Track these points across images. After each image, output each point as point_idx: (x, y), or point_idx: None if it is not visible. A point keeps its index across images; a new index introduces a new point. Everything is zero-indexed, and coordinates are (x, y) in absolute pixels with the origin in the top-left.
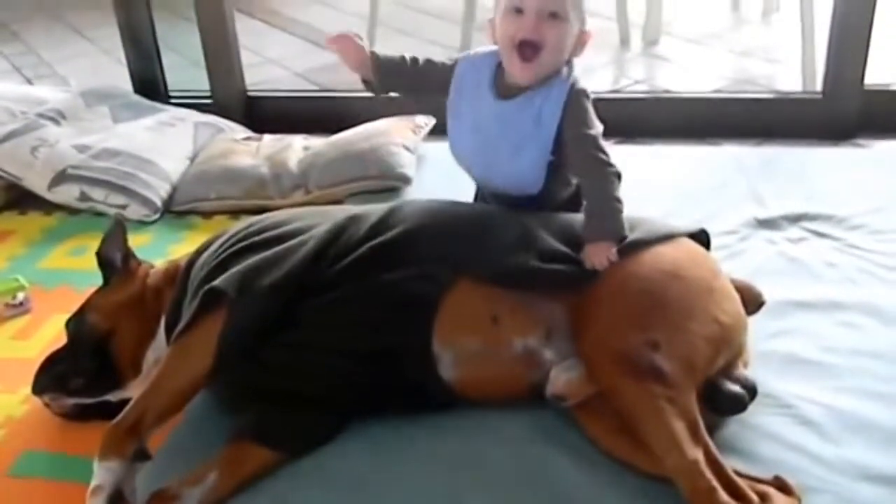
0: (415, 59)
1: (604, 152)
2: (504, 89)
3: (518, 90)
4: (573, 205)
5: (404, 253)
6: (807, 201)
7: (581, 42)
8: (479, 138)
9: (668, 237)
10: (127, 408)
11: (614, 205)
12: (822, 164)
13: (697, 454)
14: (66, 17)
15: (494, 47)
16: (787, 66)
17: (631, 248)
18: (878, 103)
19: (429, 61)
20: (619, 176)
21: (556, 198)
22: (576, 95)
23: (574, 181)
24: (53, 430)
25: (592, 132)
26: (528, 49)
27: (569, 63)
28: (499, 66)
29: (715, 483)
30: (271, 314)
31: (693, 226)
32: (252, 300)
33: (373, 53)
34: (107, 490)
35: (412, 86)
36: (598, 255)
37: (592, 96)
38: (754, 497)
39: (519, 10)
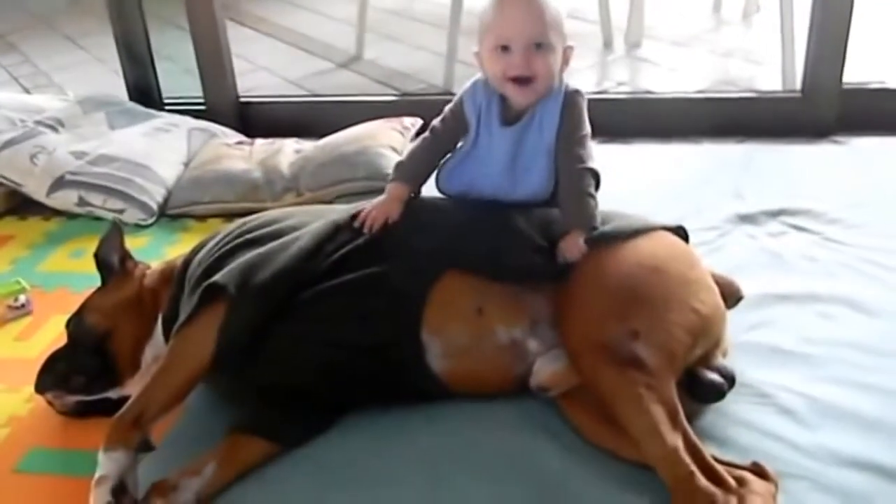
0: (434, 150)
1: (586, 151)
2: (509, 117)
3: (521, 114)
4: None
5: (393, 248)
6: (786, 197)
7: (566, 59)
8: (488, 168)
9: (644, 230)
10: (130, 400)
11: (587, 199)
12: (802, 161)
13: (677, 440)
14: (62, 27)
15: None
16: (767, 66)
17: (611, 241)
18: (856, 102)
19: (440, 128)
20: (595, 175)
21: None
22: (572, 97)
23: None
24: (57, 426)
25: (581, 133)
26: (521, 80)
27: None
28: (502, 96)
29: (694, 468)
30: (269, 308)
31: (670, 222)
32: (251, 295)
33: (408, 194)
34: (111, 480)
35: (445, 159)
36: (572, 249)
37: None
38: (732, 482)
39: (505, 48)
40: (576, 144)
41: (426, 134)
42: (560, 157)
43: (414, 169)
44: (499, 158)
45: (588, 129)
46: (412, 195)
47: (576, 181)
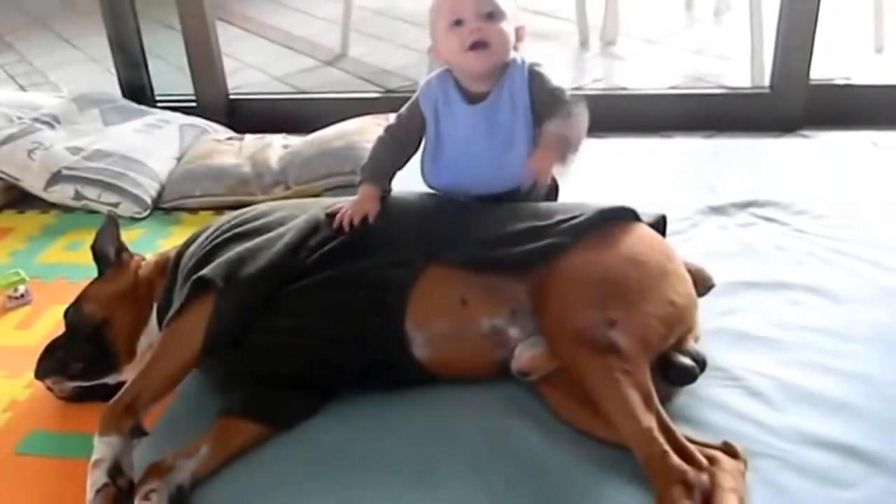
0: (394, 145)
1: (571, 96)
2: (472, 97)
3: (484, 93)
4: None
5: (378, 242)
6: (755, 189)
7: (519, 37)
8: (469, 148)
9: (619, 213)
10: (123, 388)
11: (578, 134)
12: (770, 155)
13: (651, 422)
14: (57, 27)
15: (442, 68)
16: (737, 62)
17: (591, 230)
18: (823, 97)
19: (395, 127)
20: (584, 105)
21: (534, 192)
22: (533, 68)
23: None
24: (55, 411)
25: (554, 86)
26: (477, 46)
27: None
28: (457, 80)
29: (667, 447)
30: (255, 301)
31: (653, 213)
32: (237, 288)
33: (380, 192)
34: (107, 463)
35: (407, 155)
36: (544, 161)
37: None
38: (703, 460)
39: (458, 22)
40: (561, 93)
41: (382, 134)
42: (550, 106)
43: (378, 169)
44: (475, 138)
45: (561, 82)
46: (384, 193)
47: (574, 116)
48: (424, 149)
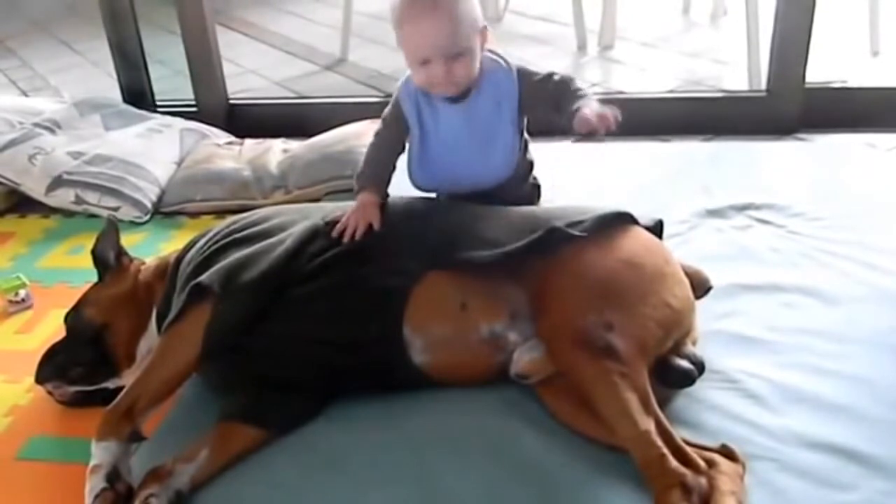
0: (384, 148)
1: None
2: (453, 97)
3: (467, 91)
4: (530, 201)
5: (377, 248)
6: (752, 192)
7: (484, 38)
8: (454, 145)
9: (617, 217)
10: (122, 393)
11: (581, 90)
12: (767, 158)
13: (649, 425)
14: (58, 33)
15: None
16: (734, 66)
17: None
18: (818, 100)
19: (383, 130)
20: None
21: (519, 192)
22: (522, 69)
23: (530, 179)
24: (56, 416)
25: (541, 75)
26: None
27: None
28: None
29: (665, 450)
30: (254, 307)
31: (649, 217)
32: (235, 295)
33: (380, 198)
34: (105, 468)
35: (393, 157)
36: (589, 112)
37: None
38: (702, 463)
39: (425, 62)
40: (554, 75)
41: (372, 139)
42: (547, 92)
43: (375, 174)
44: (458, 136)
45: (546, 71)
46: (383, 199)
47: (564, 85)
48: (410, 150)
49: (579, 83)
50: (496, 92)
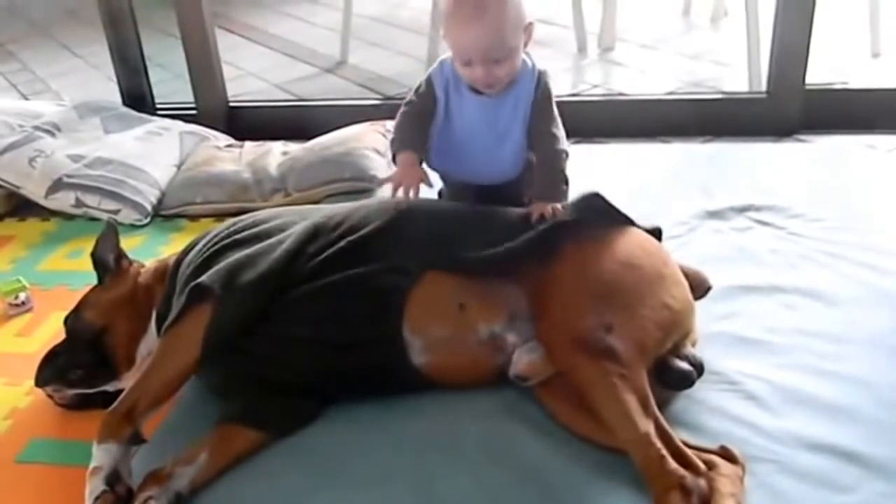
0: (415, 115)
1: (560, 131)
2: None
3: None
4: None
5: (376, 249)
6: (752, 193)
7: (528, 36)
8: (471, 136)
9: (616, 216)
10: (122, 395)
11: (560, 176)
12: (766, 159)
13: (648, 426)
14: (58, 36)
15: None
16: (734, 68)
17: (587, 234)
18: (819, 101)
19: (414, 100)
20: (567, 154)
21: (521, 192)
22: (542, 77)
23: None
24: (56, 418)
25: (553, 112)
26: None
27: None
28: None
29: (665, 452)
30: (254, 308)
31: (646, 223)
32: (235, 295)
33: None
34: (105, 470)
35: (425, 121)
36: (542, 209)
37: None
38: (701, 465)
39: (468, 63)
40: (550, 123)
41: (403, 108)
42: (536, 135)
43: (409, 137)
44: (475, 128)
45: (556, 110)
46: (421, 160)
47: (552, 160)
48: (433, 127)
49: (565, 163)
50: (518, 90)
